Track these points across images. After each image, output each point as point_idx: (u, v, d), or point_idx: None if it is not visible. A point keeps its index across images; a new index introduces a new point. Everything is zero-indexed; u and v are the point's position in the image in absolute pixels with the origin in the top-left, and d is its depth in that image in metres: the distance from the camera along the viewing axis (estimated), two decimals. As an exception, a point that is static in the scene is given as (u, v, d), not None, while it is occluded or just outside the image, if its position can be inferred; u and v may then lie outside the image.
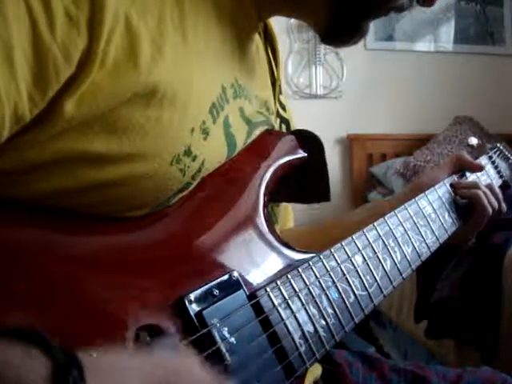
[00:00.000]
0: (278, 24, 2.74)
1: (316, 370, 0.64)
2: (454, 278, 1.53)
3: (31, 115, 0.34)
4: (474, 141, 0.90)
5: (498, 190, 0.76)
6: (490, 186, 0.75)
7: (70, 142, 0.37)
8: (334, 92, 2.82)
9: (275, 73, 0.64)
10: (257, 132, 0.55)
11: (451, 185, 0.74)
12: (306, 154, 0.59)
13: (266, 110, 0.60)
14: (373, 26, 2.86)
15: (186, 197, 0.46)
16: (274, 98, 0.62)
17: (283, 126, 0.65)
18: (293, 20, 2.74)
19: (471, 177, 0.79)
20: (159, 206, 0.44)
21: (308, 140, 0.59)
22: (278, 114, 0.64)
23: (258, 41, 0.61)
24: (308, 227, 0.77)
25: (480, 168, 0.79)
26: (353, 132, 2.80)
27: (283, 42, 2.73)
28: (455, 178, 0.76)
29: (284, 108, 0.67)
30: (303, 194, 0.62)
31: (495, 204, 0.74)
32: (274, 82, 0.64)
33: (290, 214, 0.76)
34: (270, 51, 0.64)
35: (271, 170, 0.54)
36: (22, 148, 0.36)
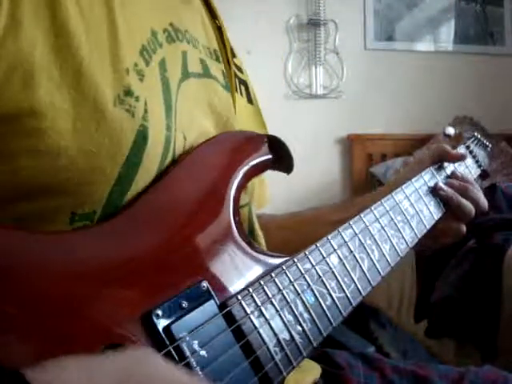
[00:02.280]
0: (278, 24, 2.72)
1: (315, 371, 0.64)
2: (454, 277, 1.53)
3: None
4: (450, 130, 0.88)
5: (476, 189, 0.74)
6: (466, 186, 0.74)
7: (15, 94, 0.37)
8: (334, 92, 2.81)
9: (224, 35, 0.65)
10: (188, 83, 0.53)
11: (430, 180, 0.73)
12: (272, 156, 0.56)
13: (215, 59, 0.60)
14: (373, 26, 2.87)
15: (149, 200, 0.44)
16: (229, 59, 0.63)
17: (242, 88, 0.65)
18: (293, 20, 2.74)
19: (448, 167, 0.78)
20: (124, 178, 0.42)
21: (275, 143, 0.57)
22: (236, 76, 0.64)
23: (197, 3, 0.62)
24: (288, 218, 0.77)
25: (462, 157, 0.78)
26: (353, 132, 2.80)
27: (283, 42, 2.74)
28: (432, 169, 0.75)
29: (241, 70, 0.67)
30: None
31: (469, 206, 0.73)
32: (224, 43, 0.64)
33: (266, 188, 0.75)
34: (212, 16, 0.66)
35: (241, 172, 0.52)
36: None
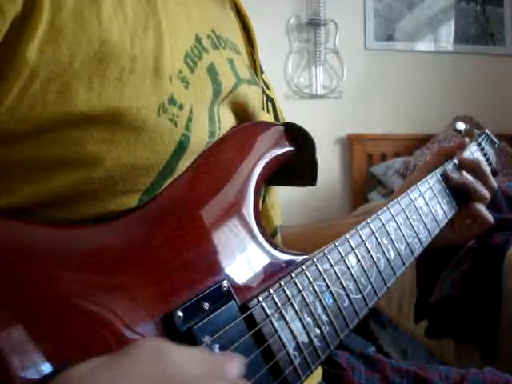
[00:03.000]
0: (278, 24, 2.73)
1: (317, 374, 0.63)
2: (454, 277, 1.53)
3: None
4: (461, 126, 0.88)
5: (484, 169, 0.75)
6: (476, 166, 0.75)
7: (51, 107, 0.36)
8: (334, 92, 2.82)
9: (253, 52, 0.63)
10: (242, 88, 0.51)
11: (442, 175, 0.73)
12: (293, 148, 0.55)
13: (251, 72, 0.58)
14: (373, 26, 2.87)
15: (168, 193, 0.42)
16: (257, 76, 0.60)
17: (269, 104, 0.63)
18: (293, 20, 2.75)
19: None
20: (156, 185, 0.41)
21: (298, 135, 0.56)
22: (264, 92, 0.61)
23: (232, 15, 0.60)
24: (302, 228, 0.77)
25: (462, 145, 0.79)
26: (353, 132, 2.81)
27: (283, 42, 2.74)
28: (446, 166, 0.75)
29: (268, 87, 0.65)
30: (288, 177, 0.58)
31: (484, 191, 0.73)
32: (254, 58, 0.63)
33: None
34: (244, 31, 0.64)
35: (261, 164, 0.50)
36: None
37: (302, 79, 2.79)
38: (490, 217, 0.74)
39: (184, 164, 0.43)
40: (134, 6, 0.40)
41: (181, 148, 0.42)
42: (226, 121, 0.49)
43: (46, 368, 0.30)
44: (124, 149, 0.38)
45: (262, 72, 0.64)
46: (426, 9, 2.96)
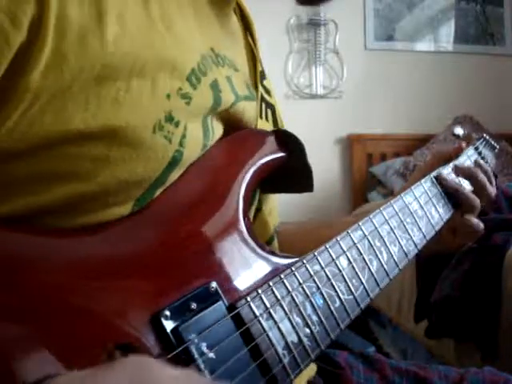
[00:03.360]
0: (278, 24, 2.72)
1: (310, 370, 0.64)
2: (454, 277, 1.53)
3: None
4: (459, 131, 0.88)
5: (480, 176, 0.74)
6: (471, 170, 0.74)
7: (49, 126, 0.36)
8: (334, 92, 2.82)
9: (256, 56, 0.63)
10: (240, 105, 0.52)
11: (436, 178, 0.72)
12: (284, 154, 0.56)
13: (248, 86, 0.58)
14: (373, 26, 2.87)
15: (160, 199, 0.44)
16: (257, 82, 0.61)
17: (269, 111, 0.63)
18: (293, 20, 2.75)
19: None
20: (147, 195, 0.42)
21: (289, 141, 0.56)
22: (263, 99, 0.61)
23: (235, 22, 0.61)
24: (298, 227, 0.77)
25: (459, 149, 0.79)
26: (353, 132, 2.81)
27: (283, 42, 2.74)
28: (441, 169, 0.74)
29: (269, 93, 0.64)
30: (285, 185, 0.59)
31: (486, 194, 0.73)
32: (255, 64, 0.63)
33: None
34: (248, 35, 0.64)
35: (251, 171, 0.51)
36: None
37: (302, 79, 2.79)
38: (478, 226, 0.72)
39: (175, 175, 0.44)
40: (138, 25, 0.40)
41: (174, 162, 0.43)
42: (218, 133, 0.50)
43: (31, 376, 0.30)
44: (119, 165, 0.40)
45: (264, 78, 0.64)
46: (426, 9, 2.96)
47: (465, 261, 1.53)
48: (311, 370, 0.64)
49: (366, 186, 2.79)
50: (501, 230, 1.57)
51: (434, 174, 0.72)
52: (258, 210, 0.58)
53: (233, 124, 0.52)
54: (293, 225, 0.75)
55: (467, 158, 0.80)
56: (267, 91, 0.64)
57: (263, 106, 0.61)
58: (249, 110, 0.54)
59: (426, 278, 1.67)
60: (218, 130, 0.50)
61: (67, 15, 0.35)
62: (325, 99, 2.81)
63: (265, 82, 0.63)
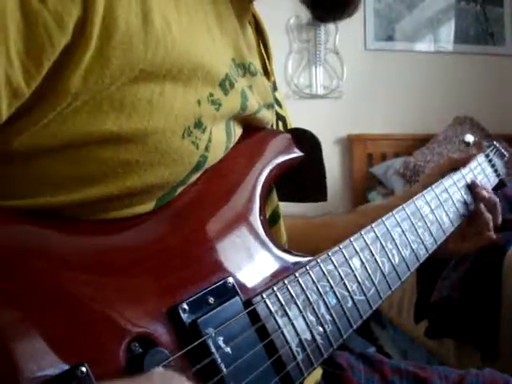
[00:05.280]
0: (278, 24, 2.72)
1: (316, 373, 0.64)
2: (454, 277, 1.53)
3: (29, 88, 0.33)
4: (470, 138, 0.89)
5: (498, 209, 0.79)
6: (493, 201, 0.78)
7: (81, 125, 0.36)
8: (334, 92, 2.82)
9: (268, 68, 0.63)
10: (262, 113, 0.53)
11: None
12: (302, 154, 0.57)
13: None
14: (373, 26, 2.87)
15: (181, 197, 0.45)
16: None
17: (280, 123, 0.64)
18: (293, 20, 2.74)
19: (468, 175, 0.79)
20: (168, 194, 0.43)
21: (305, 138, 0.58)
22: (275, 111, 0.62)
23: (250, 33, 0.61)
24: (303, 223, 0.77)
25: (470, 159, 0.82)
26: (353, 132, 2.81)
27: (283, 42, 2.74)
28: (452, 175, 0.76)
29: (280, 105, 0.65)
30: (299, 193, 0.61)
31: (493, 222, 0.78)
32: (268, 76, 0.63)
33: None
34: (262, 46, 0.64)
35: (267, 170, 0.52)
36: (31, 132, 0.35)
37: (302, 79, 2.78)
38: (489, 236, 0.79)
39: (197, 176, 0.45)
40: (179, 29, 0.40)
41: (198, 166, 0.44)
42: (238, 134, 0.51)
43: (61, 370, 0.31)
44: (147, 170, 0.40)
45: (275, 89, 0.64)
46: (426, 9, 2.96)
47: (465, 261, 1.53)
48: (318, 373, 0.64)
49: (366, 186, 2.79)
50: (501, 230, 1.57)
51: (446, 180, 0.75)
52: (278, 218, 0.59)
53: (252, 127, 0.53)
54: (295, 219, 0.76)
55: (477, 165, 0.82)
56: (278, 104, 0.64)
57: (274, 117, 0.61)
58: (268, 117, 0.55)
59: (426, 278, 1.67)
60: (238, 131, 0.51)
61: (115, 16, 0.35)
62: (325, 99, 2.81)
63: (276, 94, 0.64)
